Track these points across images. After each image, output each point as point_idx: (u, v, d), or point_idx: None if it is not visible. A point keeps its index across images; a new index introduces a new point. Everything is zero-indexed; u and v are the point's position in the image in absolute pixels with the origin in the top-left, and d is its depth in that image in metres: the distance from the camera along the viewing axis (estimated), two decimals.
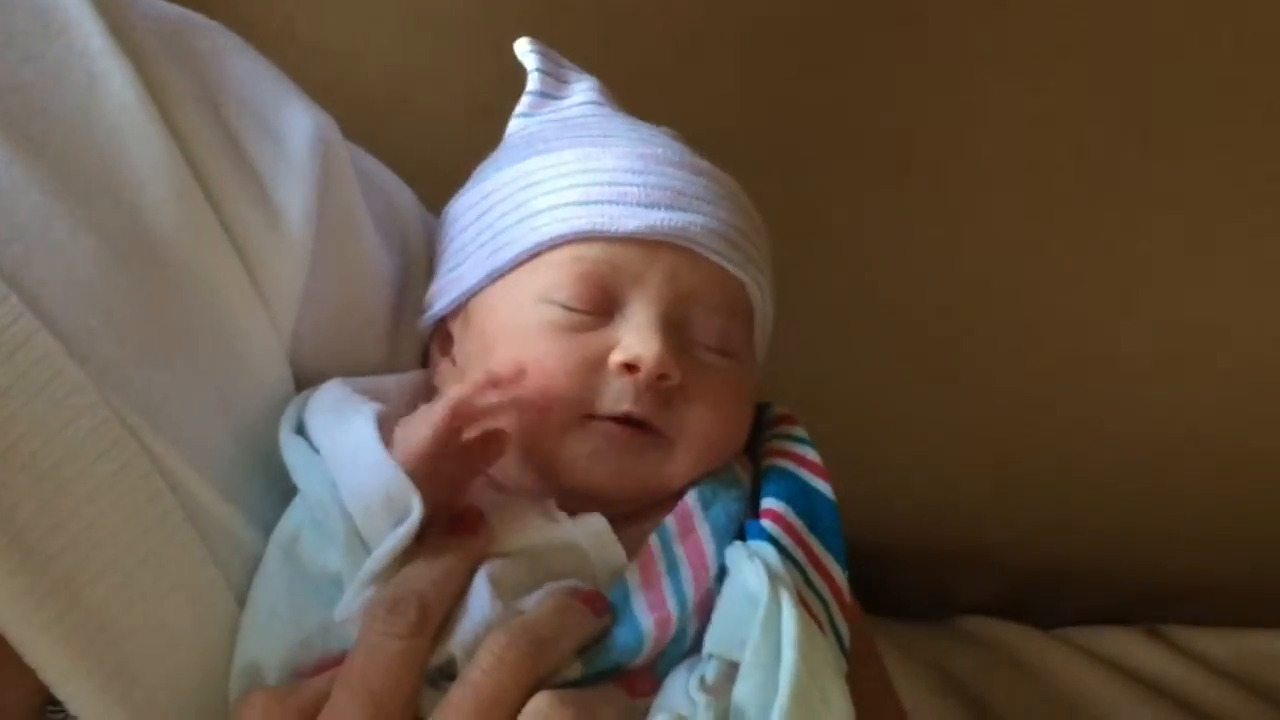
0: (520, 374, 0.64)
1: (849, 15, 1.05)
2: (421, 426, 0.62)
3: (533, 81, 0.77)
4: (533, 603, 0.61)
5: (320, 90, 0.71)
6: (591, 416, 0.65)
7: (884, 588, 1.07)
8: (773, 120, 1.06)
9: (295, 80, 0.71)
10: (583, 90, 0.77)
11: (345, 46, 1.05)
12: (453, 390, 0.63)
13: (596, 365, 0.65)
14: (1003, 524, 1.14)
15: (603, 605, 0.61)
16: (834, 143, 1.06)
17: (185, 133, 0.64)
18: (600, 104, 0.76)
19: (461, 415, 0.62)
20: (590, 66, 0.78)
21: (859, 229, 1.07)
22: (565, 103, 0.77)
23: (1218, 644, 1.18)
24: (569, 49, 0.79)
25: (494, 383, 0.63)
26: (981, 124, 1.07)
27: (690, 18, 1.05)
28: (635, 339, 0.65)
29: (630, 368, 0.65)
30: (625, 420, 0.65)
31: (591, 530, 0.64)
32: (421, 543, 0.61)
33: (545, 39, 0.78)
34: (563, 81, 0.77)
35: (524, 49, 0.77)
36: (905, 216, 1.07)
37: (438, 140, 0.91)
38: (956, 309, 1.10)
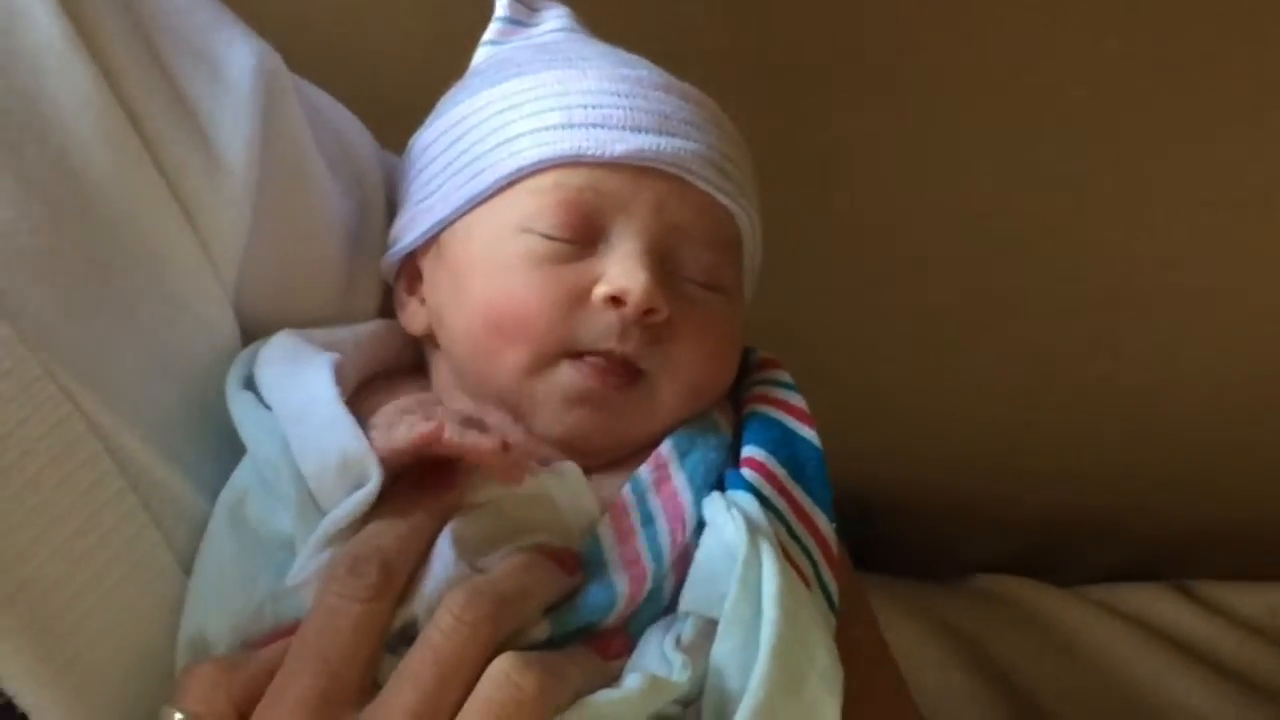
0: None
1: None
2: (402, 429, 0.58)
3: (501, 7, 0.74)
4: (498, 560, 0.57)
5: (267, 23, 0.68)
6: (572, 357, 0.62)
7: (891, 544, 1.04)
8: (762, 40, 1.01)
9: (240, 13, 0.67)
10: (554, 17, 0.74)
11: None
12: (448, 419, 0.58)
13: (579, 298, 0.62)
14: (1017, 476, 1.10)
15: (573, 562, 0.58)
16: (827, 59, 1.01)
17: (116, 70, 0.61)
18: (573, 29, 0.73)
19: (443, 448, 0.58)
20: None
21: (852, 155, 1.02)
22: (536, 29, 0.73)
23: (1250, 599, 1.14)
24: None
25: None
26: (983, 34, 1.01)
27: None
28: (621, 270, 0.62)
29: (616, 301, 0.62)
30: (609, 357, 0.62)
31: (564, 479, 0.61)
32: (385, 496, 0.57)
33: None
34: (532, 9, 0.74)
35: None
36: (906, 140, 1.02)
37: (396, 75, 0.87)
38: (964, 245, 1.04)
